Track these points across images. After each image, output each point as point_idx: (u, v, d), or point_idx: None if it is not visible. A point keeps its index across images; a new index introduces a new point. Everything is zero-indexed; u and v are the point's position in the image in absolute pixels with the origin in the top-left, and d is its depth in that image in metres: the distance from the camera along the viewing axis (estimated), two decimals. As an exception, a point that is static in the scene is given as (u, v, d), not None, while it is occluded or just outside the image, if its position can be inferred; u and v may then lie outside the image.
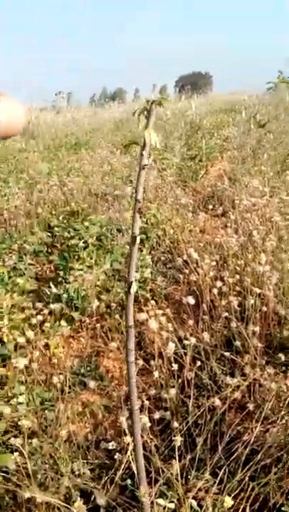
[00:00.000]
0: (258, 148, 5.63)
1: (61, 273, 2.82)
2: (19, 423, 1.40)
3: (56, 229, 3.62)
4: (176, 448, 1.34)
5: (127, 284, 1.07)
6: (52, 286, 2.62)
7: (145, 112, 1.04)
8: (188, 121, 8.12)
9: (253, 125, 6.49)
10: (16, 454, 1.38)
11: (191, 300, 2.08)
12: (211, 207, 3.67)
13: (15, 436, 1.42)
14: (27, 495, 1.24)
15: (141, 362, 1.95)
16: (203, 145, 6.17)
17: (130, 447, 1.28)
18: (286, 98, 6.36)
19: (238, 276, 2.30)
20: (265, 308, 2.12)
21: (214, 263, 2.51)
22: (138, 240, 1.06)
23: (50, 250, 3.45)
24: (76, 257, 2.98)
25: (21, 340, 1.92)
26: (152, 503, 1.24)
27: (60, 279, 2.79)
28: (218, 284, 2.24)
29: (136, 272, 2.71)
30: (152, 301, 2.25)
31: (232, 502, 1.17)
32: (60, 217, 3.87)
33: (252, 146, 5.81)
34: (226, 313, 2.11)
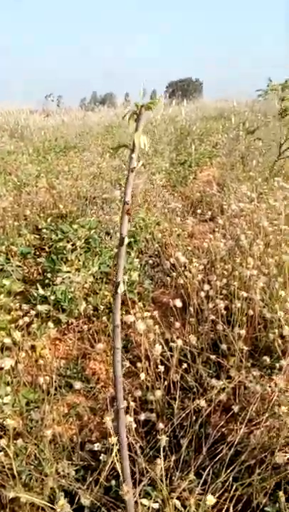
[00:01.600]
0: (247, 154, 5.69)
1: (49, 275, 2.81)
2: (4, 423, 1.40)
3: (44, 231, 3.60)
4: (161, 449, 1.35)
5: (115, 285, 1.08)
6: (39, 287, 2.61)
7: (135, 116, 1.06)
8: (178, 127, 8.18)
9: (242, 132, 6.57)
10: (1, 454, 1.37)
11: (179, 303, 2.09)
12: (199, 211, 3.70)
13: (0, 437, 1.41)
14: (11, 495, 1.24)
15: (127, 364, 1.96)
16: (192, 151, 6.23)
17: (115, 448, 1.28)
18: (275, 105, 6.44)
19: (225, 280, 2.33)
20: (251, 312, 2.14)
21: (202, 267, 2.53)
22: (126, 242, 1.08)
23: (38, 252, 3.43)
24: (64, 259, 2.97)
25: (7, 341, 1.91)
26: (136, 502, 1.25)
27: (47, 281, 2.78)
28: (206, 287, 2.26)
29: (124, 274, 2.71)
30: (140, 303, 2.25)
31: (214, 500, 1.18)
32: (49, 220, 3.86)
33: (241, 152, 5.87)
34: (213, 317, 2.13)
